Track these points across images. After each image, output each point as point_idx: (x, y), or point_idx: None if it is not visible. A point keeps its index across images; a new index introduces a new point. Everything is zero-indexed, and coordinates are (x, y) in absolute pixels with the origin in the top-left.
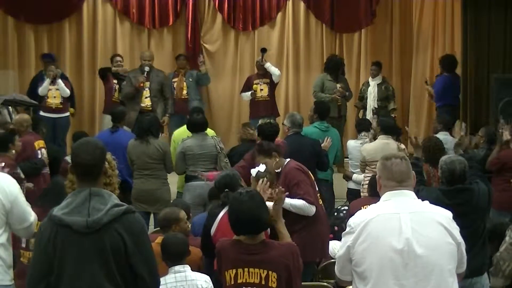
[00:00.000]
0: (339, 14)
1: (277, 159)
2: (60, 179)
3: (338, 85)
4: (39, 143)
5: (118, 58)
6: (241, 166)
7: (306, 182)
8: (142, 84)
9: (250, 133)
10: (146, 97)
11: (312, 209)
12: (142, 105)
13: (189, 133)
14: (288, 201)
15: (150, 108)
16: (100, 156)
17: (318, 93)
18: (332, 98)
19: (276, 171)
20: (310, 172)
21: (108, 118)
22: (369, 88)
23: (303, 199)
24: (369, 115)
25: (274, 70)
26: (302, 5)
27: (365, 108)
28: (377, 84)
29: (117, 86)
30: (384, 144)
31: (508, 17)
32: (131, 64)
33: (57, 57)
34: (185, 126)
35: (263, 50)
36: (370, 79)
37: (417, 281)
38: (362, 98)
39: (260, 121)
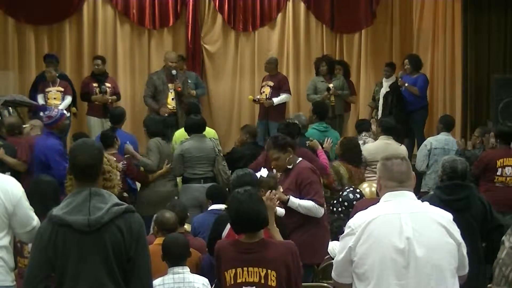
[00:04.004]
0: (339, 15)
1: (291, 156)
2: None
3: (330, 85)
4: None
5: (98, 61)
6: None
7: (318, 184)
8: (179, 88)
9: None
10: (172, 99)
11: (321, 211)
12: (169, 106)
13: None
14: (297, 201)
15: (175, 110)
16: (97, 156)
17: (310, 96)
18: (323, 97)
19: (288, 167)
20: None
21: (93, 120)
22: (382, 89)
23: (313, 200)
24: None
25: (284, 98)
26: (302, 5)
27: (377, 108)
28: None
29: (97, 90)
30: (385, 144)
31: (508, 17)
32: (131, 64)
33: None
34: None
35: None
36: (383, 80)
37: (418, 281)
38: (374, 98)
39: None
